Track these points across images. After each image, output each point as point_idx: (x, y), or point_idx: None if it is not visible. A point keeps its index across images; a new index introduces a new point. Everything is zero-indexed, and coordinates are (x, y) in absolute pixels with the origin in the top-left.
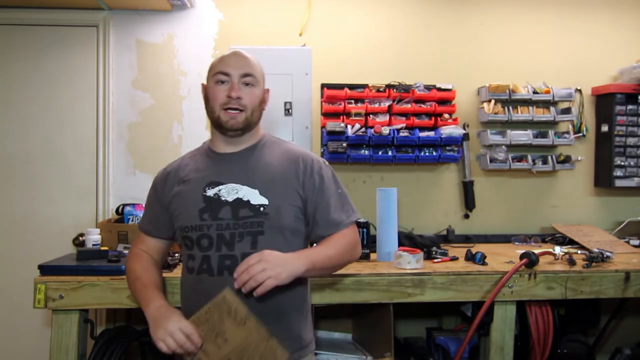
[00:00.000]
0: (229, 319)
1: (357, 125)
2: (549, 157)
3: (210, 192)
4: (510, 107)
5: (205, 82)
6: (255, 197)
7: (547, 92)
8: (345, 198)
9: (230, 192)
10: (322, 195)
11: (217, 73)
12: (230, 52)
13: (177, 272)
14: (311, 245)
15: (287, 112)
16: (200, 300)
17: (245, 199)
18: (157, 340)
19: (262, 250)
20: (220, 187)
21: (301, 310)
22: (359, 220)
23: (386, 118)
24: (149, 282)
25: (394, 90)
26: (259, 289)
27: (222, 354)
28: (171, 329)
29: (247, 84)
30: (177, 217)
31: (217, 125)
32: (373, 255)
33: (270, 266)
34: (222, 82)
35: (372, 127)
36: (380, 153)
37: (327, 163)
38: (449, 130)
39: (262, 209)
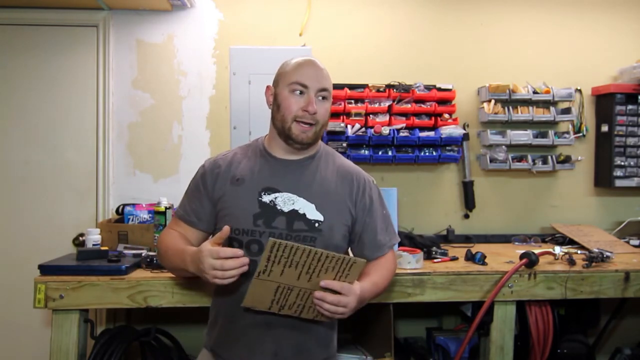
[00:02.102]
0: (332, 274)
1: (357, 125)
2: (549, 157)
3: (266, 199)
4: (510, 107)
5: (271, 85)
6: (311, 211)
7: (547, 92)
8: (389, 219)
9: (286, 202)
10: (371, 217)
11: (294, 83)
12: (306, 61)
13: None
14: None
15: None
16: (236, 302)
17: (301, 211)
18: (213, 281)
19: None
20: (277, 194)
21: (332, 324)
22: None
23: (386, 118)
24: (179, 244)
25: (394, 90)
26: (328, 314)
27: (293, 283)
28: (207, 264)
29: (322, 98)
30: (226, 217)
31: (285, 135)
32: None
33: (350, 309)
34: (300, 92)
35: (372, 127)
36: (380, 153)
37: (374, 182)
38: (449, 130)
39: (317, 224)
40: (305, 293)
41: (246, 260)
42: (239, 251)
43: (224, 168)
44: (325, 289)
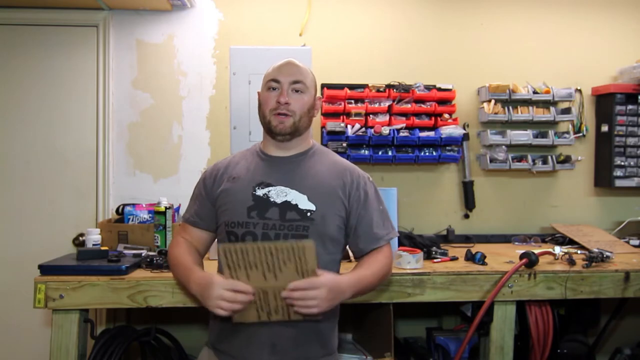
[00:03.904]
0: (292, 265)
1: (357, 125)
2: (549, 157)
3: (260, 192)
4: (510, 107)
5: (260, 91)
6: (303, 202)
7: (547, 92)
8: (386, 215)
9: (279, 194)
10: (366, 210)
11: (270, 80)
12: (284, 61)
13: None
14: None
15: None
16: None
17: (293, 202)
18: (214, 309)
19: (324, 273)
20: (270, 188)
21: (332, 318)
22: None
23: (386, 118)
24: (188, 262)
25: (394, 90)
26: (302, 310)
27: (263, 284)
28: (217, 294)
29: (296, 91)
30: (223, 213)
31: (267, 129)
32: None
33: (323, 301)
34: (274, 88)
35: (372, 127)
36: (380, 153)
37: (371, 179)
38: (449, 130)
39: (309, 214)
40: (280, 293)
41: (252, 297)
42: (250, 289)
43: (222, 170)
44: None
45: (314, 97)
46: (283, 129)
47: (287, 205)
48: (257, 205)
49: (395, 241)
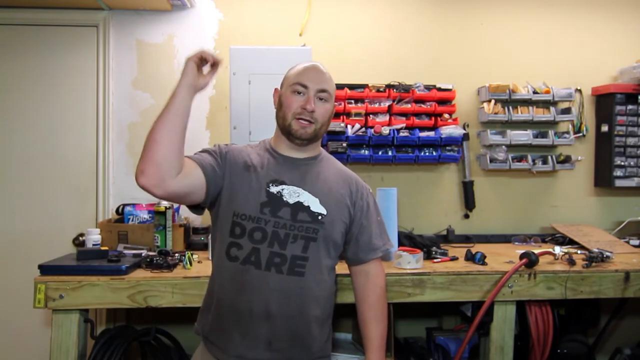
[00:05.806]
0: None
1: (357, 125)
2: (549, 157)
3: (274, 190)
4: (510, 107)
5: (278, 88)
6: (315, 204)
7: (547, 92)
8: (383, 226)
9: (292, 194)
10: (368, 220)
11: (296, 84)
12: (310, 65)
13: (177, 272)
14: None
15: None
16: (239, 291)
17: (305, 204)
18: (189, 64)
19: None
20: (283, 186)
21: (327, 322)
22: None
23: (386, 118)
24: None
25: (394, 90)
26: None
27: None
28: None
29: (321, 99)
30: (233, 200)
31: (286, 131)
32: None
33: None
34: (299, 92)
35: (372, 127)
36: (380, 153)
37: (370, 190)
38: (449, 130)
39: (320, 217)
40: None
41: (219, 58)
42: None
43: (237, 151)
44: None
45: (334, 106)
46: (304, 134)
47: (299, 206)
48: (271, 202)
49: (395, 241)
